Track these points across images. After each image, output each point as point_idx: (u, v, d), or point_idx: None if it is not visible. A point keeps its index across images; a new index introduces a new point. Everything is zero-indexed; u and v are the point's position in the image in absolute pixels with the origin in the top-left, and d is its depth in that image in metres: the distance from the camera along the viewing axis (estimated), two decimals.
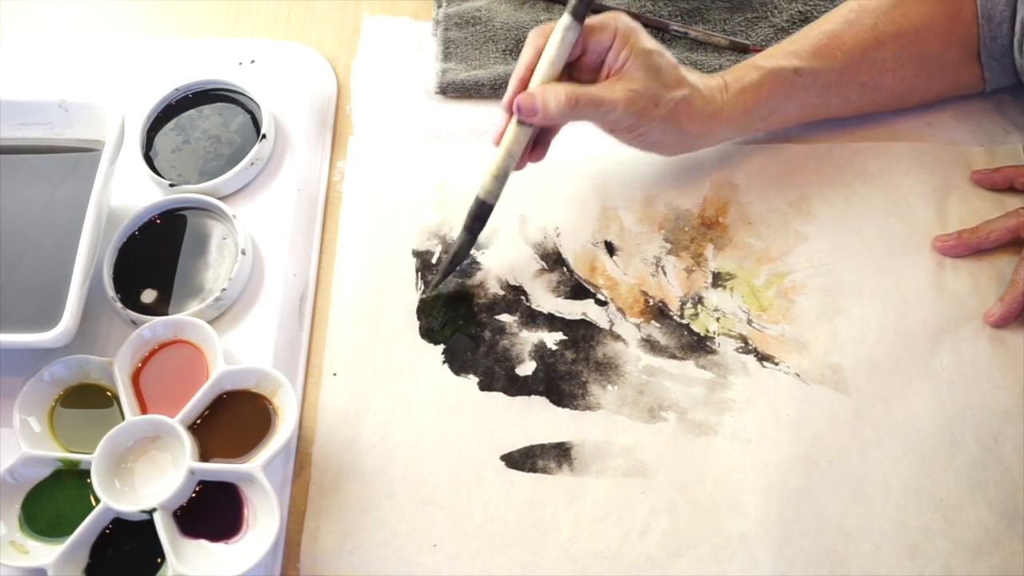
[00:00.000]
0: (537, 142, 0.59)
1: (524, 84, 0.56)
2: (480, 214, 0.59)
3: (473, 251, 0.63)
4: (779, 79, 0.59)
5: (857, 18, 0.60)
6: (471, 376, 0.59)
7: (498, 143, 0.57)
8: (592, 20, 0.55)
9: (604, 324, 0.60)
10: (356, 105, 0.69)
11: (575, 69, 0.57)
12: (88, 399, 0.57)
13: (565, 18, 0.54)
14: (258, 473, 0.52)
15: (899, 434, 0.55)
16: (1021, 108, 0.65)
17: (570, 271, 0.62)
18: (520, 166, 0.58)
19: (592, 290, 0.61)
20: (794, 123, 0.63)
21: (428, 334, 0.60)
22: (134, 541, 0.53)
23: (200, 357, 0.57)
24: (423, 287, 0.62)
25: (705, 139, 0.60)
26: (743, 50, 0.68)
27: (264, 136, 0.64)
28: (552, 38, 0.54)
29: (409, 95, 0.69)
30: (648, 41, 0.56)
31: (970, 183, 0.62)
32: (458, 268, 0.61)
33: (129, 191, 0.64)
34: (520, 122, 0.55)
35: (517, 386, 0.58)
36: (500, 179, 0.57)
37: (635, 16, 0.69)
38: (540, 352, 0.59)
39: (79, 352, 0.57)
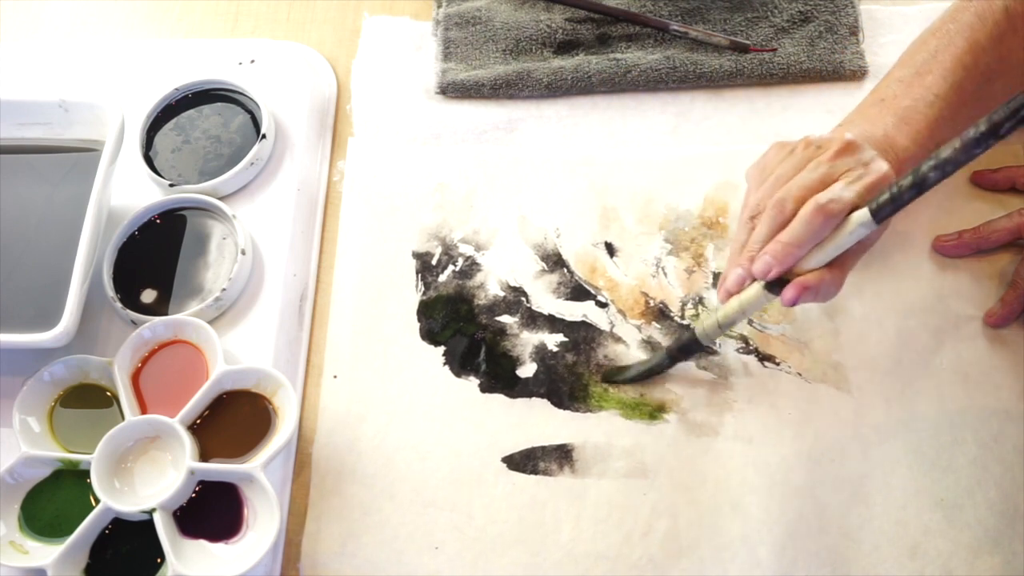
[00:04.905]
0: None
1: (791, 258, 0.50)
2: (689, 349, 0.56)
3: (473, 252, 0.63)
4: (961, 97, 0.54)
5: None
6: (472, 378, 0.58)
7: (731, 292, 0.52)
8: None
9: (605, 326, 0.60)
10: (356, 105, 0.69)
11: None
12: (88, 399, 0.57)
13: (864, 214, 0.48)
14: (258, 473, 0.52)
15: (900, 434, 0.55)
16: None
17: (570, 272, 0.62)
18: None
19: (593, 291, 0.61)
20: None
21: (428, 335, 0.60)
22: (134, 541, 0.53)
23: (200, 357, 0.57)
24: (423, 288, 0.62)
25: None
26: (743, 50, 0.68)
27: (264, 136, 0.64)
28: (844, 229, 0.49)
29: (409, 95, 0.69)
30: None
31: (970, 183, 0.62)
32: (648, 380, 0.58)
33: (129, 191, 0.64)
34: (770, 288, 0.51)
35: (518, 388, 0.58)
36: (724, 328, 0.54)
37: (635, 16, 0.69)
38: (541, 354, 0.59)
39: (79, 352, 0.57)
